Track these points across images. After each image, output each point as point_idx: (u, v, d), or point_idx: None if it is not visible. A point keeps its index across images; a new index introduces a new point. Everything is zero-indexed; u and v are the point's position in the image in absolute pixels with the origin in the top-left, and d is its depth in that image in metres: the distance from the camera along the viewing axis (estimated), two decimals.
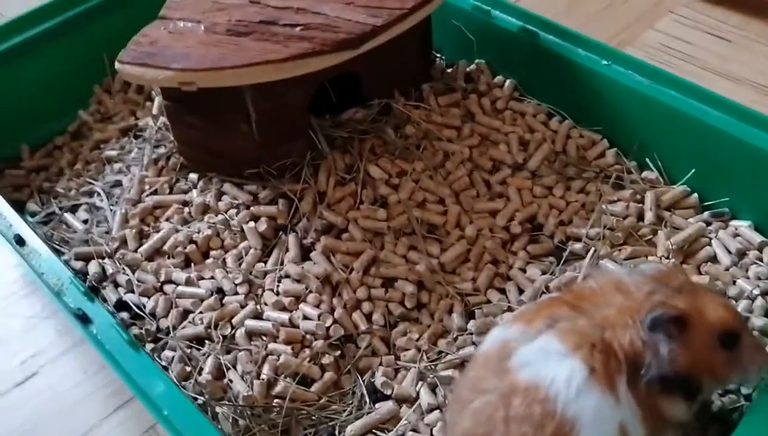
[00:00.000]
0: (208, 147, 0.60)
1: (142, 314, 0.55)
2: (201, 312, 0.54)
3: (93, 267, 0.58)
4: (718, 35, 0.81)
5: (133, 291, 0.56)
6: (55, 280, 0.51)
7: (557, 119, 0.65)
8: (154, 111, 0.69)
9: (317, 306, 0.53)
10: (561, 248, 0.56)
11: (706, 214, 0.58)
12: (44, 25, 0.68)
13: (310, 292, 0.54)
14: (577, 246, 0.55)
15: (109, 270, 0.57)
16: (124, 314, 0.54)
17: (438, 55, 0.72)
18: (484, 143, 0.63)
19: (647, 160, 0.61)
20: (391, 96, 0.63)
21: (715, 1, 0.85)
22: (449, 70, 0.70)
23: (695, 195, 0.59)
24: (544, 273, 0.54)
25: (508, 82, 0.67)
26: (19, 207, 0.67)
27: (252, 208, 0.59)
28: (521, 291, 0.54)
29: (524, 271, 0.55)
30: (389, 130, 0.61)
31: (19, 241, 0.54)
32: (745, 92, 0.73)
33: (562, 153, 0.62)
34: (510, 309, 0.53)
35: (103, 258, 0.59)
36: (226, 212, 0.60)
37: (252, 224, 0.58)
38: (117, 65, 0.56)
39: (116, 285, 0.57)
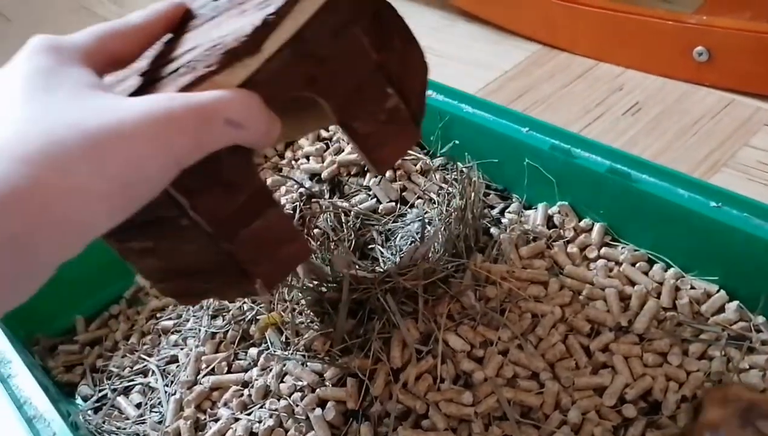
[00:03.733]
0: (175, 269, 0.43)
1: None
2: None
3: None
4: None
5: None
6: None
7: (660, 266, 0.56)
8: None
9: None
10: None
11: None
12: None
13: None
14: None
15: None
16: None
17: (515, 196, 0.65)
18: (577, 300, 0.55)
19: None
20: (355, 116, 0.43)
21: None
22: (528, 213, 0.63)
23: None
24: None
25: (597, 226, 0.59)
26: (71, 389, 0.63)
27: (318, 390, 0.52)
28: None
29: None
30: (470, 292, 0.54)
31: None
32: None
33: (671, 309, 0.54)
34: None
35: None
36: (289, 396, 0.53)
37: (319, 411, 0.51)
38: None
39: None
